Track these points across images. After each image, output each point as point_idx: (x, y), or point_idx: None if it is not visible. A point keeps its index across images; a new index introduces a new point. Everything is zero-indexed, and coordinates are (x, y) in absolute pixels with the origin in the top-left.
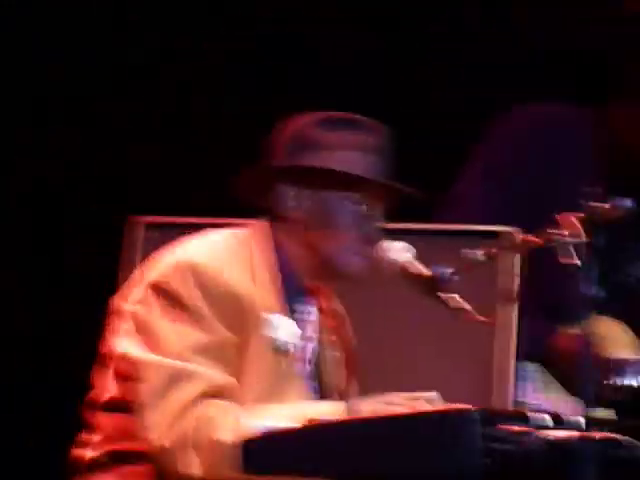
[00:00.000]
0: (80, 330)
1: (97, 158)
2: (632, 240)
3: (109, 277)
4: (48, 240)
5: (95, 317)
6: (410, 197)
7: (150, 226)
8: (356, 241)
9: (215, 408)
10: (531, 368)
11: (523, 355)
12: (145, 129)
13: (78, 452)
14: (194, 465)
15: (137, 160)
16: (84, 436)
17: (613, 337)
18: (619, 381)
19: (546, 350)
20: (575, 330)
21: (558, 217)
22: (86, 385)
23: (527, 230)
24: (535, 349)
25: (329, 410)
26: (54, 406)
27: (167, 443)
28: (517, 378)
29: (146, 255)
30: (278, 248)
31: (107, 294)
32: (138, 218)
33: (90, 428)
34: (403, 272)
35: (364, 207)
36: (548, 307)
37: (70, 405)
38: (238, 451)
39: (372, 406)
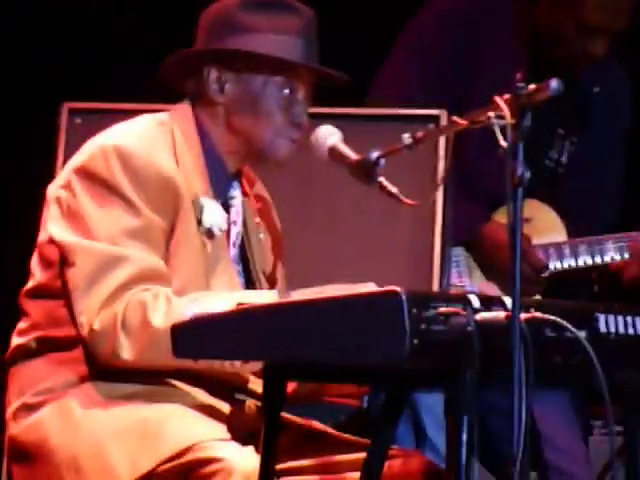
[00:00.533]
0: (15, 221)
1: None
2: (552, 123)
3: (40, 164)
4: None
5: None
6: (336, 80)
7: (73, 111)
8: (281, 125)
9: (146, 292)
10: (456, 252)
11: (451, 240)
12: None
13: (13, 341)
14: (124, 348)
15: (63, 45)
16: (19, 325)
17: (540, 220)
18: (548, 265)
19: (474, 237)
20: (502, 216)
21: (484, 99)
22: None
23: (453, 112)
24: (462, 234)
25: (262, 297)
26: None
27: (97, 326)
28: (444, 262)
29: (69, 141)
30: (201, 131)
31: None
32: (64, 104)
33: (23, 316)
34: (330, 155)
35: (287, 90)
36: (475, 190)
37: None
38: (168, 335)
39: (304, 296)
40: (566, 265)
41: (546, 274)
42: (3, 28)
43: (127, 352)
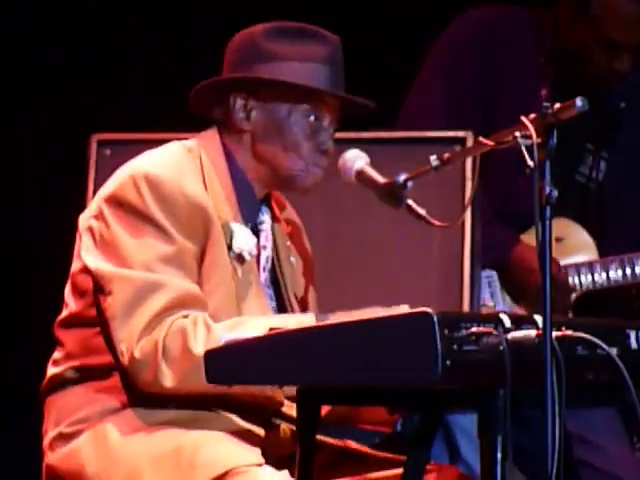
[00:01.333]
0: (48, 252)
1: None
2: (581, 139)
3: (71, 195)
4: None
5: (62, 239)
6: (362, 106)
7: (102, 143)
8: (307, 152)
9: (185, 319)
10: (489, 274)
11: (482, 261)
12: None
13: (49, 371)
14: (166, 376)
15: (93, 78)
16: (54, 355)
17: (571, 240)
18: (577, 285)
19: (505, 260)
20: (532, 237)
21: (510, 119)
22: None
23: (480, 133)
24: (493, 257)
25: (299, 321)
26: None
27: (138, 354)
28: (475, 283)
29: (99, 172)
30: (229, 158)
31: (74, 212)
32: (93, 136)
33: (58, 346)
34: (358, 178)
35: (313, 118)
36: (504, 211)
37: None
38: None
39: (341, 319)
40: (598, 284)
41: (574, 297)
42: (35, 60)
43: (169, 380)
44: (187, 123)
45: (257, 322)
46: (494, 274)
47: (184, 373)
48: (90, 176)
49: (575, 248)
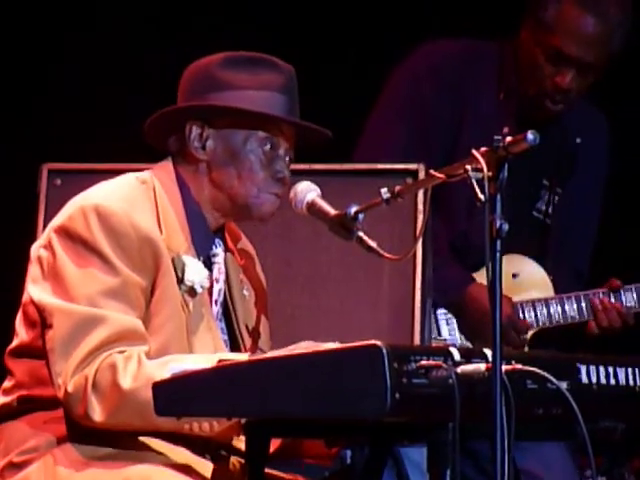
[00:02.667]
0: None
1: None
2: (537, 175)
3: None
4: None
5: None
6: (317, 134)
7: (53, 172)
8: (263, 180)
9: (119, 354)
10: (444, 312)
11: (438, 301)
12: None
13: None
14: (95, 410)
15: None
16: (4, 384)
17: (527, 276)
18: (533, 322)
19: (459, 301)
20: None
21: (461, 152)
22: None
23: (431, 166)
24: (448, 297)
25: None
26: None
27: (70, 388)
28: (425, 316)
29: (49, 201)
30: (183, 189)
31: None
32: (44, 165)
33: (8, 375)
34: (309, 210)
35: (268, 146)
36: (456, 246)
37: None
38: (137, 397)
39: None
40: (554, 320)
41: (529, 335)
42: None
43: (97, 414)
44: (139, 154)
45: (194, 358)
46: (445, 312)
47: (113, 407)
48: (40, 205)
49: (531, 284)
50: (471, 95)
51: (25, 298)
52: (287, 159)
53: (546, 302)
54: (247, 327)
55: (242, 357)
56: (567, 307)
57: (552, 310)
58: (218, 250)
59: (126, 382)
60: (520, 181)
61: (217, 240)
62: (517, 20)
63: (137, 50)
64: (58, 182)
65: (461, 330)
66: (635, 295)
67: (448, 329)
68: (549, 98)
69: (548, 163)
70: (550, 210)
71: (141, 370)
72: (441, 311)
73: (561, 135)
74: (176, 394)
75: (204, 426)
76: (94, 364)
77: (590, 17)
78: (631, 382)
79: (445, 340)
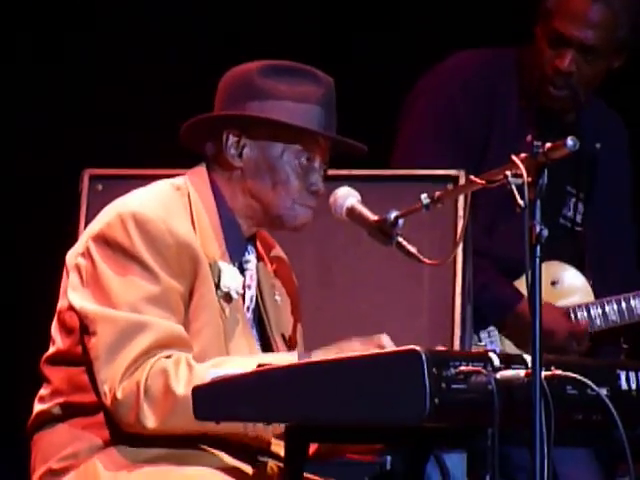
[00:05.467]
0: (36, 287)
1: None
2: (562, 182)
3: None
4: None
5: (51, 274)
6: (354, 149)
7: (94, 178)
8: (297, 192)
9: (168, 359)
10: (490, 329)
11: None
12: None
13: (35, 407)
14: (148, 416)
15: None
16: (41, 391)
17: (566, 282)
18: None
19: (509, 317)
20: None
21: (497, 165)
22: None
23: (472, 173)
24: (497, 315)
25: (282, 360)
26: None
27: (120, 395)
28: (466, 321)
29: (91, 207)
30: (217, 195)
31: (66, 246)
32: (85, 171)
33: (44, 383)
34: (349, 215)
35: (304, 159)
36: (502, 256)
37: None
38: (190, 402)
39: (324, 356)
40: (596, 326)
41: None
42: (25, 95)
43: (151, 420)
44: (179, 159)
45: (239, 361)
46: (495, 330)
47: (166, 413)
48: (82, 211)
49: (571, 291)
50: (498, 105)
51: (61, 305)
52: (322, 172)
53: (587, 307)
54: (282, 334)
55: (285, 357)
56: (608, 311)
57: (594, 315)
58: (250, 257)
59: (180, 387)
60: (547, 188)
61: (249, 247)
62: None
63: (180, 56)
64: (99, 187)
65: (518, 347)
66: None
67: (490, 340)
68: (551, 84)
69: (569, 170)
70: (578, 218)
71: (193, 374)
72: (487, 330)
73: (580, 141)
74: (215, 398)
75: (258, 426)
76: (143, 370)
77: (589, 0)
78: None
79: (485, 346)
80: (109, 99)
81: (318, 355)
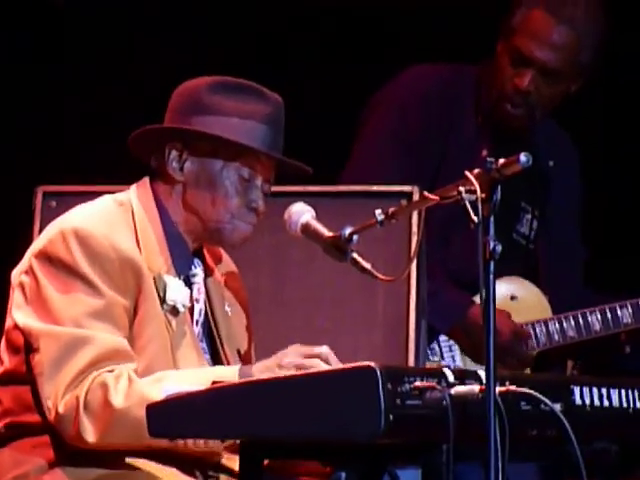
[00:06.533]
0: None
1: None
2: (516, 198)
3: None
4: None
5: (2, 293)
6: (297, 169)
7: (48, 194)
8: (237, 208)
9: (109, 373)
10: (445, 339)
11: (436, 327)
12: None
13: None
14: (87, 430)
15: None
16: None
17: (525, 298)
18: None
19: (462, 324)
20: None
21: (452, 179)
22: None
23: (426, 188)
24: (450, 321)
25: (223, 374)
26: None
27: (61, 409)
28: (420, 337)
29: (44, 223)
30: (160, 209)
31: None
32: (39, 187)
33: None
34: (303, 232)
35: (246, 175)
36: (456, 270)
37: None
38: (130, 416)
39: (263, 370)
40: (554, 341)
41: (535, 352)
42: None
43: (90, 434)
44: (135, 174)
45: (179, 375)
46: (447, 339)
47: (106, 427)
48: (35, 227)
49: (529, 306)
50: (455, 120)
51: (8, 324)
52: (264, 189)
53: (546, 323)
54: (237, 350)
55: (225, 370)
56: (565, 326)
57: (552, 330)
58: (197, 270)
59: (118, 400)
60: (501, 204)
61: (196, 260)
62: (494, 43)
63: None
64: (53, 204)
65: (465, 353)
66: (631, 311)
67: (451, 355)
68: (509, 101)
69: (524, 186)
70: (532, 234)
71: (132, 388)
72: (443, 338)
73: (534, 158)
74: (170, 416)
75: (198, 442)
76: (84, 384)
77: (554, 21)
78: (625, 404)
79: (443, 359)
80: (63, 114)
81: (258, 368)
